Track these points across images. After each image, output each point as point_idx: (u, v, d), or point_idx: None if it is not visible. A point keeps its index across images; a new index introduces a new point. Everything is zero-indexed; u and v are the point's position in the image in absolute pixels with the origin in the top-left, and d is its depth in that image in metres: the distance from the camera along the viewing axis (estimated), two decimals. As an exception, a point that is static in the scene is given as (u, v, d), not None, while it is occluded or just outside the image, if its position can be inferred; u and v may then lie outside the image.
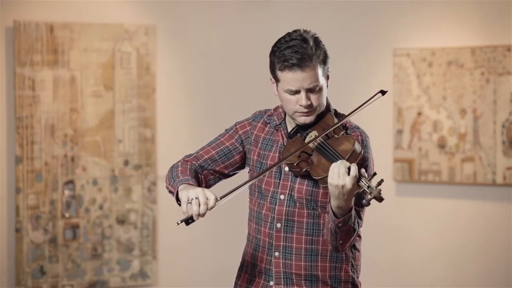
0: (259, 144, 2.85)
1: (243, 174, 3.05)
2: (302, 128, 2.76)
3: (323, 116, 2.77)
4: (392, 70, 5.40)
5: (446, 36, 5.28)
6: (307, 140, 2.71)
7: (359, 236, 2.83)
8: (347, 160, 2.59)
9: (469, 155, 5.17)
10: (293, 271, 2.74)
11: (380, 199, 2.55)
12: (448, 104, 5.23)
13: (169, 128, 5.50)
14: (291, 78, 2.69)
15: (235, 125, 2.91)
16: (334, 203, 2.58)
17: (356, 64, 5.59)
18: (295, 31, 2.79)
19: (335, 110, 2.87)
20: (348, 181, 2.52)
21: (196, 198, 2.59)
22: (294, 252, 2.74)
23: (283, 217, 2.75)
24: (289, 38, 2.77)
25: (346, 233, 2.63)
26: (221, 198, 2.63)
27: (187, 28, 5.60)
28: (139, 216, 5.39)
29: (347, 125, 2.82)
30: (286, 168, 2.76)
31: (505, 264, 5.13)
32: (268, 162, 2.80)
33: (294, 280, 2.74)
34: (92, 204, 5.27)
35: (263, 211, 2.79)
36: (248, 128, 2.89)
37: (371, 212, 5.57)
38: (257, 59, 5.76)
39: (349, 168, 2.53)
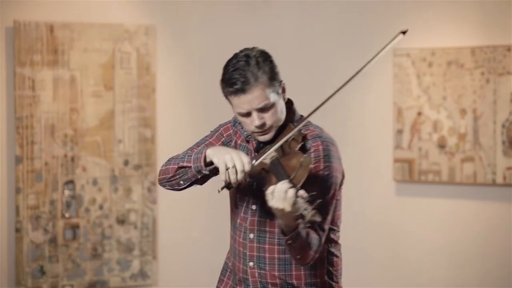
0: (237, 149, 2.84)
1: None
2: (265, 143, 2.75)
3: (284, 129, 2.74)
4: (392, 70, 5.40)
5: (446, 36, 5.28)
6: (263, 157, 2.67)
7: (336, 242, 2.81)
8: (293, 177, 2.54)
9: (469, 155, 5.17)
10: (269, 281, 2.74)
11: (313, 222, 2.49)
12: (448, 104, 5.23)
13: (169, 128, 5.50)
14: (239, 102, 2.68)
15: (220, 127, 2.91)
16: (280, 222, 2.57)
17: (356, 64, 5.58)
18: (241, 51, 2.74)
19: (301, 116, 2.84)
20: (285, 204, 2.48)
21: (233, 166, 2.56)
22: (267, 262, 2.74)
23: (255, 227, 2.75)
24: (235, 61, 2.72)
25: (300, 247, 2.60)
26: (255, 160, 2.62)
27: (187, 28, 5.60)
28: (139, 216, 5.39)
29: (309, 134, 2.78)
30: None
31: (505, 264, 5.13)
32: None
33: None
34: (92, 204, 5.27)
35: (238, 220, 2.80)
36: (231, 131, 2.88)
37: (371, 212, 5.58)
38: (257, 59, 5.77)
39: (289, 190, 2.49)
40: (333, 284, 2.80)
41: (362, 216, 5.60)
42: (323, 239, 2.67)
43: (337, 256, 2.81)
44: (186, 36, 5.60)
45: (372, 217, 5.57)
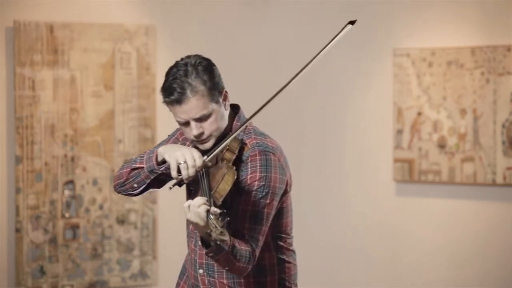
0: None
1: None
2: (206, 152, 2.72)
3: (225, 137, 2.69)
4: (392, 70, 5.40)
5: (446, 36, 5.28)
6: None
7: (287, 249, 2.78)
8: (214, 191, 2.52)
9: (469, 155, 5.17)
10: None
11: (221, 241, 2.45)
12: (448, 104, 5.23)
13: (169, 128, 5.48)
14: (176, 112, 2.67)
15: (176, 131, 2.90)
16: (199, 233, 2.54)
17: (356, 64, 5.59)
18: (182, 59, 2.73)
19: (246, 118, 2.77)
20: (199, 220, 2.45)
21: (184, 162, 2.55)
22: (216, 270, 2.73)
23: None
24: (175, 69, 2.70)
25: (226, 260, 2.54)
26: (207, 156, 2.61)
27: (187, 28, 5.60)
28: (139, 216, 5.39)
29: (249, 143, 2.71)
30: None
31: (505, 264, 5.13)
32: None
33: None
34: (92, 204, 5.27)
35: (190, 228, 2.81)
36: (185, 136, 2.85)
37: (371, 212, 5.58)
38: (257, 59, 5.77)
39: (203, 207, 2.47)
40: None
41: (362, 216, 5.60)
42: (257, 250, 2.62)
43: (289, 262, 2.78)
44: (186, 36, 5.59)
45: (372, 217, 5.57)
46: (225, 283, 2.72)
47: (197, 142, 2.69)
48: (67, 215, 5.20)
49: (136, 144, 5.37)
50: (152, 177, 2.72)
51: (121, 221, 5.35)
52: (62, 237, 5.18)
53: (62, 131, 5.18)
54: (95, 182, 5.27)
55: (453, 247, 5.29)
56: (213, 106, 2.67)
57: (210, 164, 2.61)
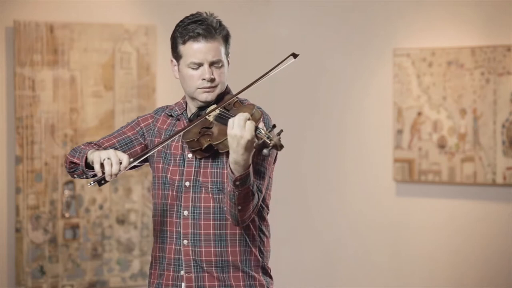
0: (162, 136, 2.84)
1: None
2: (202, 110, 2.76)
3: (223, 97, 2.78)
4: (392, 70, 5.40)
5: (446, 36, 5.28)
6: (206, 114, 2.71)
7: (267, 222, 2.82)
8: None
9: (469, 155, 5.17)
10: (203, 258, 2.72)
11: (280, 146, 2.48)
12: (448, 104, 5.23)
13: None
14: (195, 49, 2.74)
15: (137, 118, 2.92)
16: (231, 158, 2.54)
17: (356, 64, 5.59)
18: (197, 12, 2.87)
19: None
20: (246, 132, 2.49)
21: (108, 158, 2.59)
22: (203, 238, 2.72)
23: (190, 203, 2.73)
24: (192, 16, 2.83)
25: (245, 196, 2.59)
26: (134, 159, 2.65)
27: (187, 28, 5.60)
28: (139, 216, 5.40)
29: (248, 103, 2.80)
30: (190, 155, 2.75)
31: (505, 264, 5.13)
32: (172, 151, 2.79)
33: (205, 267, 2.72)
34: (92, 204, 5.27)
35: (169, 201, 2.77)
36: (150, 121, 2.88)
37: (371, 212, 5.58)
38: (257, 59, 5.76)
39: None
40: (265, 264, 2.81)
41: (362, 216, 5.60)
42: (260, 201, 2.67)
43: (267, 237, 2.82)
44: (186, 36, 5.59)
45: (372, 217, 5.57)
46: (212, 251, 2.72)
47: (204, 89, 2.74)
48: (67, 215, 5.20)
49: (136, 144, 5.37)
50: (85, 176, 2.75)
51: (121, 221, 5.35)
52: (62, 237, 5.18)
53: (62, 131, 5.18)
54: (95, 182, 5.26)
55: (453, 247, 5.29)
56: (225, 60, 2.81)
57: (135, 164, 2.66)
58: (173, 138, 2.74)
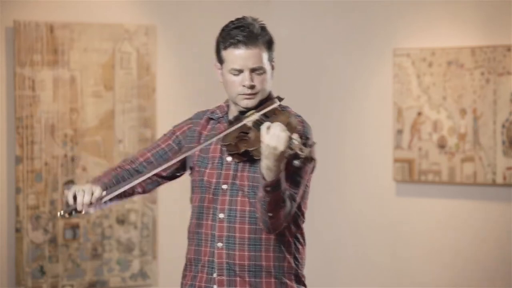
0: (201, 141, 2.85)
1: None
2: (243, 114, 2.77)
3: (266, 101, 2.77)
4: (392, 70, 5.40)
5: (446, 36, 5.28)
6: (245, 119, 2.72)
7: (302, 230, 2.83)
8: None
9: (469, 155, 5.17)
10: (237, 262, 2.72)
11: (310, 159, 2.53)
12: (448, 104, 5.23)
13: (169, 128, 5.50)
14: (236, 56, 2.73)
15: (173, 128, 2.94)
16: (263, 163, 2.56)
17: (356, 64, 5.59)
18: (242, 17, 2.85)
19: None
20: (279, 141, 2.51)
21: (82, 190, 2.67)
22: (237, 242, 2.72)
23: (226, 206, 2.74)
24: (237, 21, 2.81)
25: (275, 203, 2.59)
26: (107, 192, 2.71)
27: (187, 28, 5.60)
28: (139, 216, 5.40)
29: (291, 111, 2.80)
30: (229, 158, 2.76)
31: (505, 264, 5.13)
32: (210, 155, 2.81)
33: (237, 271, 2.72)
34: (92, 204, 5.26)
35: (205, 204, 2.78)
36: (185, 128, 2.91)
37: (371, 212, 5.58)
38: (257, 59, 5.76)
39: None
40: (299, 271, 2.81)
41: (362, 216, 5.60)
42: (293, 210, 2.68)
43: (302, 244, 2.82)
44: (186, 36, 5.60)
45: (372, 217, 5.57)
46: (246, 255, 2.72)
47: (245, 95, 2.75)
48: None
49: (136, 144, 5.37)
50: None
51: (121, 221, 5.35)
52: (62, 237, 5.18)
53: (62, 131, 5.18)
54: (95, 182, 5.26)
55: (453, 247, 5.29)
56: (268, 66, 2.77)
57: (107, 198, 2.72)
58: (210, 141, 2.76)
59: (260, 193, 2.60)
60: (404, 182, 5.41)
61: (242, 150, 2.69)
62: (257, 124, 2.67)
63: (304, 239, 2.84)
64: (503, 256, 5.15)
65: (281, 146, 2.51)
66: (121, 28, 5.32)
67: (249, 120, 2.70)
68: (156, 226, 5.44)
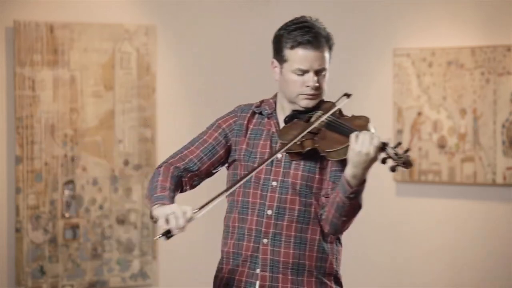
0: (248, 134, 2.83)
1: (217, 180, 3.05)
2: (300, 113, 2.77)
3: (322, 104, 2.80)
4: (392, 70, 5.40)
5: (446, 36, 5.28)
6: (313, 119, 2.73)
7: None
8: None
9: (469, 155, 5.17)
10: (281, 259, 2.73)
11: (410, 164, 2.56)
12: (448, 104, 5.23)
13: (169, 128, 5.50)
14: (303, 56, 2.73)
15: (216, 121, 2.90)
16: (350, 171, 2.58)
17: (356, 64, 5.59)
18: (302, 16, 2.85)
19: None
20: (372, 149, 2.55)
21: (173, 213, 2.61)
22: (283, 239, 2.73)
23: (275, 203, 2.74)
24: (298, 21, 2.82)
25: (354, 208, 2.65)
26: (199, 209, 2.66)
27: (187, 28, 5.60)
28: (139, 216, 5.39)
29: (361, 116, 2.85)
30: (279, 155, 2.76)
31: (505, 264, 5.12)
32: (259, 150, 2.79)
33: (280, 269, 2.73)
34: (92, 204, 5.27)
35: (250, 199, 2.77)
36: (231, 121, 2.87)
37: (371, 212, 5.58)
38: (257, 58, 5.76)
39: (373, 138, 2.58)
40: (338, 271, 2.83)
41: (362, 216, 5.56)
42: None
43: (341, 245, 2.87)
44: (186, 36, 5.60)
45: (372, 217, 5.57)
46: (291, 253, 2.73)
47: (307, 96, 2.75)
48: (67, 215, 5.20)
49: (136, 144, 5.37)
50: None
51: (121, 221, 5.35)
52: (62, 237, 5.18)
53: (62, 131, 5.18)
54: (95, 182, 5.27)
55: (453, 247, 5.29)
56: (328, 67, 2.80)
57: (197, 216, 2.68)
58: (297, 139, 2.71)
59: (339, 198, 2.63)
60: (404, 182, 5.41)
61: (308, 148, 2.69)
62: (331, 125, 2.69)
63: (341, 242, 2.88)
64: (503, 256, 5.15)
65: (373, 153, 2.56)
66: (121, 28, 5.32)
67: (319, 121, 2.70)
68: (156, 226, 5.44)
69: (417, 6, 5.37)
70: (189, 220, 2.61)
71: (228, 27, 5.71)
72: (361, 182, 2.61)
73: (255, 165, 2.75)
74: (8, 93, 5.07)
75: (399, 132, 5.38)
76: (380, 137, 2.58)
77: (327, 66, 2.77)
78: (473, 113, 5.16)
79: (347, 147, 2.59)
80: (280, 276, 2.73)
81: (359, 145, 2.56)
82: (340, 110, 2.79)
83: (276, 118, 2.83)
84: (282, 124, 2.81)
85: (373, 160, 2.56)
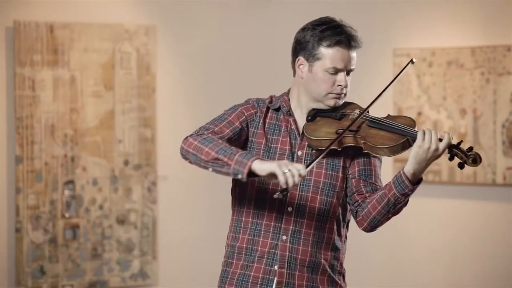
0: (265, 128, 2.81)
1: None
2: (323, 112, 2.77)
3: (345, 104, 2.83)
4: (392, 70, 5.41)
5: (446, 36, 5.28)
6: (351, 117, 2.76)
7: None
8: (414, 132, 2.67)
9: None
10: (299, 256, 2.73)
11: (479, 160, 2.60)
12: (448, 104, 5.24)
13: (169, 128, 5.50)
14: (339, 55, 2.75)
15: (238, 106, 2.83)
16: (411, 168, 2.65)
17: (356, 64, 5.59)
18: (326, 16, 2.86)
19: None
20: (441, 146, 2.59)
21: (289, 170, 2.54)
22: (302, 237, 2.74)
23: (296, 201, 2.74)
24: (325, 21, 2.82)
25: (403, 205, 2.69)
26: (307, 166, 2.63)
27: (187, 28, 5.60)
28: (139, 216, 5.40)
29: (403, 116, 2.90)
30: (299, 152, 2.76)
31: (505, 264, 5.13)
32: (279, 146, 2.77)
33: (298, 266, 2.74)
34: (92, 204, 5.27)
35: (268, 196, 2.74)
36: (252, 111, 2.82)
37: (371, 212, 5.58)
38: (257, 58, 5.77)
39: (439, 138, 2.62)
40: (344, 271, 2.86)
41: (362, 216, 5.60)
42: None
43: (346, 244, 2.89)
44: (186, 36, 5.60)
45: (372, 217, 5.57)
46: (309, 250, 2.74)
47: (335, 95, 2.77)
48: (67, 215, 5.20)
49: (136, 144, 5.37)
50: (232, 177, 2.66)
51: (121, 221, 5.35)
52: (62, 237, 5.18)
53: (62, 131, 5.18)
54: (95, 182, 5.27)
55: (453, 247, 5.29)
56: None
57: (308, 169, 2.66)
58: (342, 135, 2.71)
59: (392, 196, 2.66)
60: (404, 182, 5.40)
61: (348, 145, 2.70)
62: (375, 123, 2.76)
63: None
64: (503, 256, 5.15)
65: (441, 150, 2.60)
66: (121, 28, 5.32)
67: (359, 118, 2.73)
68: (156, 226, 5.44)
69: (417, 6, 5.37)
70: (304, 176, 2.58)
71: (228, 27, 5.71)
72: (419, 180, 2.66)
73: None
74: (8, 93, 5.07)
75: (399, 132, 5.38)
76: (446, 134, 2.63)
77: (354, 67, 2.81)
78: (473, 113, 5.16)
79: (400, 144, 2.68)
80: (297, 273, 2.74)
81: (427, 142, 2.60)
82: (368, 111, 2.83)
83: (293, 115, 2.81)
84: (300, 122, 2.80)
85: (438, 157, 2.61)
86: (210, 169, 2.68)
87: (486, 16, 5.15)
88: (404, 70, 2.82)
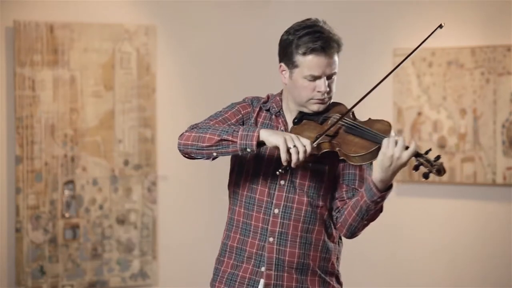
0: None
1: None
2: (310, 115, 2.75)
3: (333, 106, 2.78)
4: (392, 70, 5.40)
5: (446, 36, 5.28)
6: (330, 121, 2.71)
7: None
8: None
9: (469, 155, 5.17)
10: (286, 258, 2.73)
11: (443, 170, 2.57)
12: (448, 104, 5.24)
13: (169, 128, 5.50)
14: (315, 63, 2.70)
15: (235, 104, 2.85)
16: (378, 176, 2.58)
17: (356, 64, 5.59)
18: (308, 19, 2.80)
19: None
20: (404, 155, 2.54)
21: (295, 146, 2.55)
22: (289, 238, 2.73)
23: (282, 202, 2.74)
24: (307, 25, 2.76)
25: (376, 212, 2.66)
26: (314, 141, 2.62)
27: (187, 28, 5.60)
28: (139, 216, 5.40)
29: (382, 120, 2.82)
30: None
31: (505, 264, 5.13)
32: (269, 146, 2.75)
33: (286, 268, 2.73)
34: (92, 204, 5.27)
35: (257, 196, 2.76)
36: (248, 109, 2.84)
37: (371, 212, 5.58)
38: (257, 58, 5.76)
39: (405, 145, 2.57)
40: (338, 270, 2.84)
41: (362, 216, 5.60)
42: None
43: (342, 245, 2.86)
44: (186, 36, 5.60)
45: (372, 217, 5.57)
46: (296, 252, 2.73)
47: (317, 100, 2.72)
48: (67, 215, 5.20)
49: (136, 144, 5.37)
50: (240, 154, 2.67)
51: (121, 221, 5.35)
52: (62, 237, 5.18)
53: (62, 131, 5.18)
54: (95, 182, 5.27)
55: (453, 247, 5.29)
56: (337, 70, 2.77)
57: (316, 152, 2.64)
58: (320, 139, 2.68)
59: (364, 203, 2.63)
60: (404, 182, 5.41)
61: (325, 151, 2.65)
62: (351, 128, 2.67)
63: (342, 241, 2.88)
64: (503, 256, 5.15)
65: (405, 159, 2.55)
66: (121, 28, 5.32)
67: (335, 125, 2.67)
68: (156, 226, 5.44)
69: (417, 6, 5.37)
70: (309, 153, 2.56)
71: (228, 27, 5.71)
72: (388, 186, 2.61)
73: (263, 163, 2.73)
74: (8, 93, 5.07)
75: (399, 132, 5.38)
76: (412, 142, 2.58)
77: (337, 69, 2.74)
78: (473, 113, 5.16)
79: (372, 152, 2.58)
80: (286, 274, 2.74)
81: (391, 149, 2.54)
82: (353, 113, 2.76)
83: (284, 117, 2.81)
84: (290, 124, 2.80)
85: (403, 165, 2.56)
86: (214, 154, 2.69)
87: (486, 16, 5.15)
88: (429, 37, 2.80)
